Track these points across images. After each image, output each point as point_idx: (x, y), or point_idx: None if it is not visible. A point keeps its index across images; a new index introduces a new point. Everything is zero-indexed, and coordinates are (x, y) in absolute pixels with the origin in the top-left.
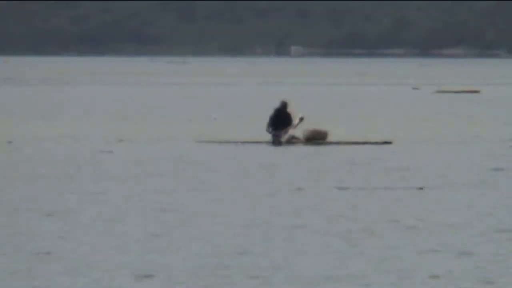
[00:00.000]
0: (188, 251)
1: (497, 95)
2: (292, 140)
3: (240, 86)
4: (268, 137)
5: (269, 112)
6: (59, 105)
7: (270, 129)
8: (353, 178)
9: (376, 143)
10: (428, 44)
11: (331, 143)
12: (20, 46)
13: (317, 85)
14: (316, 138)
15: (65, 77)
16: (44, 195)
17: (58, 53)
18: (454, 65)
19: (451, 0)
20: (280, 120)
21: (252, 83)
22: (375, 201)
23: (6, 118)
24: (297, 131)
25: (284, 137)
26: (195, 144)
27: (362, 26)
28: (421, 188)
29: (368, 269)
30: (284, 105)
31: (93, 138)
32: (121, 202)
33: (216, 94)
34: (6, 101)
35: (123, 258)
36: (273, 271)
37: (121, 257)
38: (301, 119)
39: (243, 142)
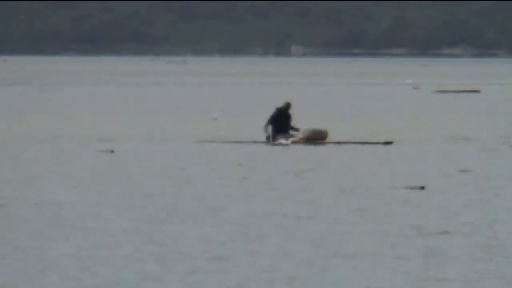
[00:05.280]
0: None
1: (497, 95)
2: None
3: (240, 86)
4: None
5: (269, 111)
6: (58, 105)
7: (269, 128)
8: (354, 179)
9: (377, 143)
10: (428, 44)
11: (331, 143)
12: (20, 46)
13: (317, 85)
14: (316, 138)
15: (64, 77)
16: (43, 196)
17: (58, 53)
18: (454, 65)
19: (451, 0)
20: (280, 120)
21: (252, 83)
22: (376, 201)
23: (5, 118)
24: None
25: (285, 140)
26: (195, 144)
27: (362, 26)
28: (422, 188)
29: (374, 269)
30: (287, 106)
31: (93, 138)
32: (122, 202)
33: (216, 94)
34: (6, 101)
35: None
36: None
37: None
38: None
39: (243, 142)
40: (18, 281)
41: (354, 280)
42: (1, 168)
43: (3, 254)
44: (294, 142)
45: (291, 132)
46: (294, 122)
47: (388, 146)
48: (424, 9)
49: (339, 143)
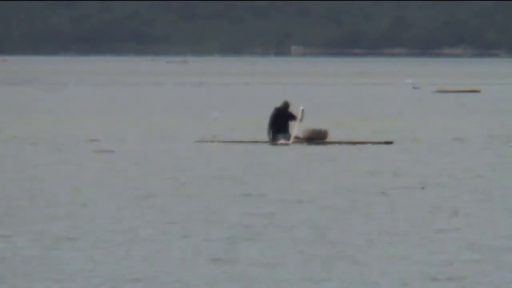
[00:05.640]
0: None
1: (497, 94)
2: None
3: (240, 86)
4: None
5: (269, 111)
6: (58, 105)
7: (271, 131)
8: (354, 179)
9: (378, 143)
10: (428, 44)
11: (331, 143)
12: (20, 46)
13: (317, 85)
14: (316, 137)
15: (64, 77)
16: (43, 196)
17: (58, 53)
18: (454, 65)
19: (451, 0)
20: (279, 120)
21: (252, 83)
22: (376, 201)
23: (6, 118)
24: (299, 129)
25: (286, 140)
26: (195, 144)
27: (362, 26)
28: (423, 188)
29: (374, 269)
30: (285, 105)
31: (93, 138)
32: (122, 202)
33: (216, 94)
34: (6, 101)
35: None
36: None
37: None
38: (303, 111)
39: (243, 142)
40: (18, 282)
41: (355, 280)
42: (1, 168)
43: (3, 254)
44: (294, 142)
45: (291, 122)
46: (297, 115)
47: (388, 146)
48: (424, 9)
49: (339, 143)
